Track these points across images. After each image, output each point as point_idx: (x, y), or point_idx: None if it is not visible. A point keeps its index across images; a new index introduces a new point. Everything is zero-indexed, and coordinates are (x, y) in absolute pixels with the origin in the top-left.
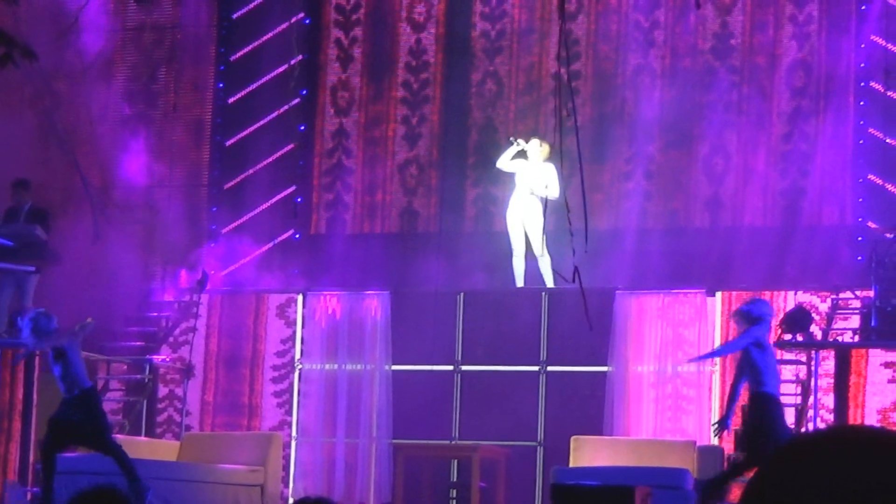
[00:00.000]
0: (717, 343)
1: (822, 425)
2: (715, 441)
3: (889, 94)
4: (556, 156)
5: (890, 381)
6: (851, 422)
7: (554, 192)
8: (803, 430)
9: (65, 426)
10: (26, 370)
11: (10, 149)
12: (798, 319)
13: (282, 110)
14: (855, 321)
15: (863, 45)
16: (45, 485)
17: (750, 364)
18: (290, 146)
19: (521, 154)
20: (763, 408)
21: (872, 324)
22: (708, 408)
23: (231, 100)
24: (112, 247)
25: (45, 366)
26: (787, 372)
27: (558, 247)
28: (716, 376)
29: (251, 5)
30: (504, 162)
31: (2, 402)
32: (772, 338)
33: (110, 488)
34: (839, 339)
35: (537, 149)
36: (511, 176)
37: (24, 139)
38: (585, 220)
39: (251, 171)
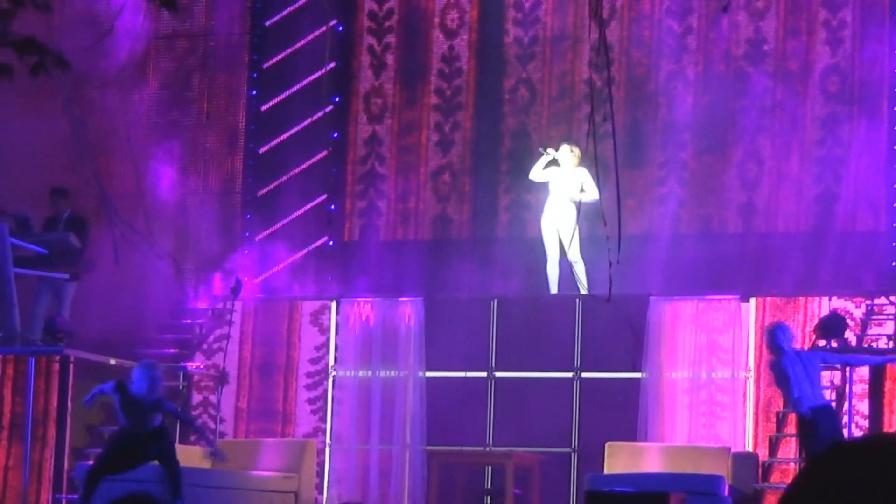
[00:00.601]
0: (752, 349)
1: (857, 431)
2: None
3: None
4: (590, 161)
5: None
6: (887, 428)
7: (593, 193)
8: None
9: (139, 459)
10: (61, 379)
11: (46, 156)
12: (832, 325)
13: (315, 117)
14: (889, 327)
15: None
16: (85, 496)
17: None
18: (324, 153)
19: (553, 162)
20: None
21: None
22: (742, 414)
23: (264, 107)
24: (146, 255)
25: (79, 374)
26: (822, 378)
27: (591, 253)
28: (750, 383)
29: (284, 13)
30: (536, 173)
31: (37, 410)
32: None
33: (145, 495)
34: (874, 345)
35: (568, 154)
36: (544, 183)
37: (58, 146)
38: (619, 226)
39: (284, 179)
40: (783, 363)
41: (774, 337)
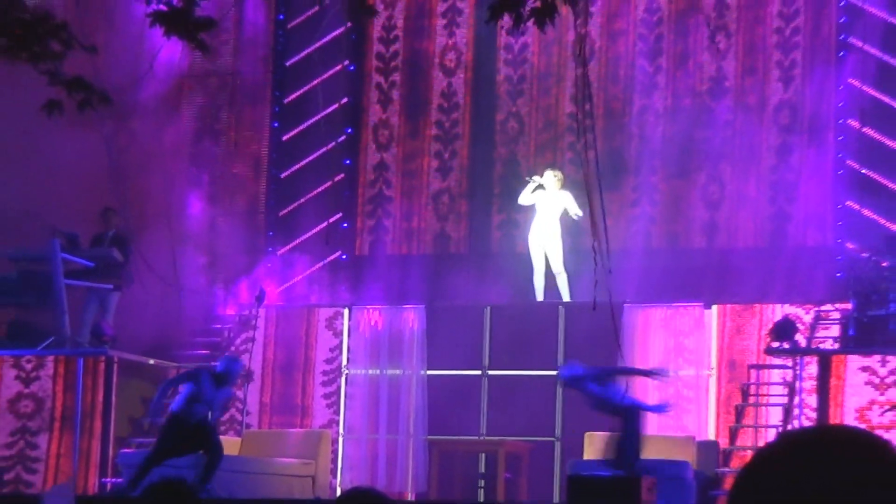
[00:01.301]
0: (714, 350)
1: (806, 423)
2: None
3: (864, 130)
4: (572, 185)
5: (866, 384)
6: (832, 420)
7: (577, 211)
8: (790, 427)
9: (192, 446)
10: (106, 377)
11: (93, 179)
12: (785, 329)
13: (330, 146)
14: (835, 330)
15: (841, 88)
16: (139, 477)
17: None
18: (338, 178)
19: (540, 187)
20: None
21: (850, 333)
22: (705, 407)
23: (285, 137)
24: (181, 268)
25: (121, 373)
26: (775, 375)
27: (572, 266)
28: (712, 380)
29: (302, 54)
30: (525, 198)
31: (85, 404)
32: None
33: (179, 480)
34: (821, 346)
35: (552, 179)
36: (532, 205)
37: (103, 170)
38: (606, 242)
39: (303, 200)
40: (589, 387)
41: (572, 372)
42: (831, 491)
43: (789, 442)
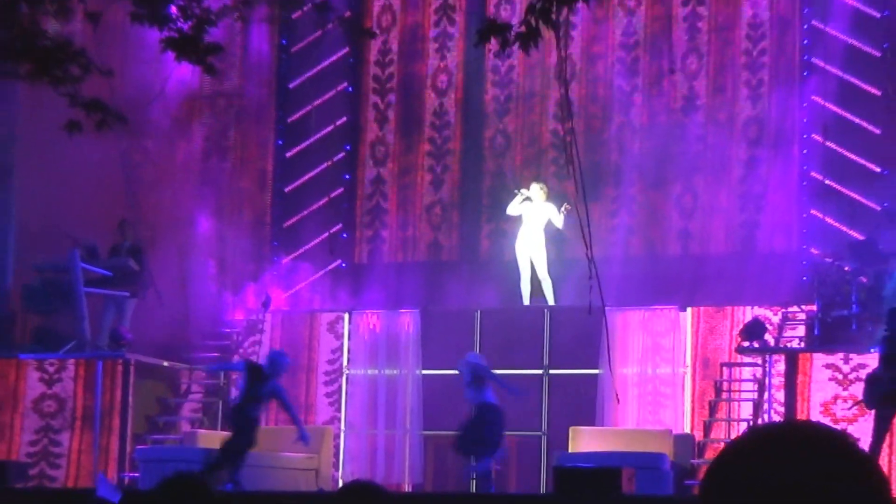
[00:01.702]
0: (689, 350)
1: (775, 417)
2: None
3: (827, 144)
4: (556, 198)
5: (830, 380)
6: (799, 414)
7: (559, 222)
8: (760, 420)
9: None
10: (123, 378)
11: (111, 195)
12: (755, 329)
13: (330, 162)
14: (801, 330)
15: (805, 105)
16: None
17: None
18: (337, 191)
19: (527, 199)
20: None
21: (815, 332)
22: (681, 403)
23: (288, 154)
24: (192, 276)
25: (138, 374)
26: (746, 373)
27: (556, 272)
28: (687, 377)
29: (304, 77)
30: (513, 209)
31: (104, 403)
32: None
33: (192, 475)
34: (788, 345)
35: (538, 191)
36: (519, 216)
37: (119, 187)
38: (591, 250)
39: (305, 213)
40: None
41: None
42: (796, 483)
43: (757, 436)
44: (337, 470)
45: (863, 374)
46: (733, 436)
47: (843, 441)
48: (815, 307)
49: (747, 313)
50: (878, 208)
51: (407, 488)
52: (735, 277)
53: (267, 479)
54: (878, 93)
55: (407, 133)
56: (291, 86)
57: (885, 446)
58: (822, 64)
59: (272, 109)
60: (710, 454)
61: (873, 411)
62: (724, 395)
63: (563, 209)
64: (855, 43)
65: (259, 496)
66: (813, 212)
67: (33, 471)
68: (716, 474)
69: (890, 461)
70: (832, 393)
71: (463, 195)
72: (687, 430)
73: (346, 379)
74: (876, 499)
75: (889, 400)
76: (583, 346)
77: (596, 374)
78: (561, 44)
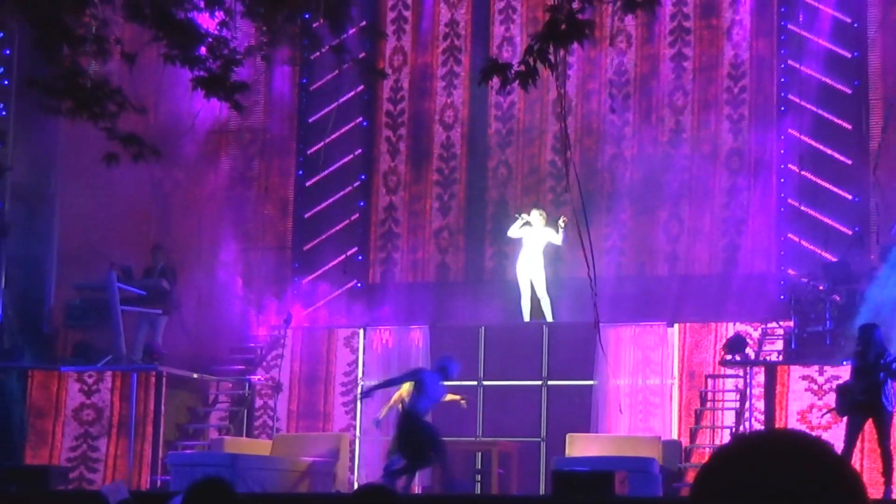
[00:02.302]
0: (676, 362)
1: (756, 424)
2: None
3: (802, 173)
4: (554, 223)
5: (806, 390)
6: (777, 421)
7: (558, 241)
8: (742, 427)
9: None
10: (156, 389)
11: (144, 220)
12: (737, 344)
13: (346, 191)
14: (779, 345)
15: (782, 137)
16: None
17: None
18: (353, 217)
19: (527, 223)
20: None
21: (792, 347)
22: (669, 411)
23: (308, 183)
24: (219, 295)
25: (170, 385)
26: (728, 384)
27: (554, 291)
28: (675, 387)
29: (322, 112)
30: (514, 231)
31: (138, 412)
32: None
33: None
34: (768, 358)
35: (538, 217)
36: (519, 238)
37: (152, 213)
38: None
39: (324, 237)
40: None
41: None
42: (780, 488)
43: (743, 444)
44: (353, 474)
45: (836, 384)
46: (717, 442)
47: (822, 448)
48: (791, 323)
49: (730, 329)
50: (850, 232)
51: (417, 491)
52: (718, 296)
53: (288, 481)
54: (850, 126)
55: (417, 164)
56: (311, 120)
57: (856, 451)
58: (797, 100)
59: (293, 142)
60: (695, 459)
61: (845, 419)
62: (709, 405)
63: (561, 222)
64: (828, 81)
65: (280, 497)
66: (790, 235)
67: (73, 474)
68: (704, 481)
69: (861, 465)
70: (808, 402)
71: (468, 221)
72: (674, 436)
73: (361, 389)
74: (855, 500)
75: (860, 409)
76: (579, 359)
77: (591, 385)
78: (559, 81)
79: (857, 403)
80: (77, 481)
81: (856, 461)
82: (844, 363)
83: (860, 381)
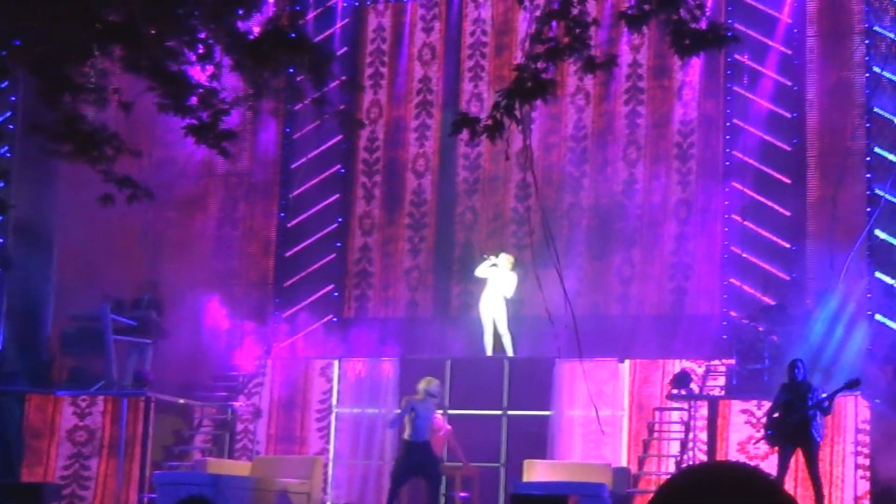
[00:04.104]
0: (626, 395)
1: (699, 454)
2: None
3: (745, 223)
4: (520, 266)
5: (745, 423)
6: (719, 451)
7: (509, 293)
8: (685, 456)
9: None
10: (145, 412)
11: (136, 257)
12: (683, 379)
13: (325, 232)
14: (721, 381)
15: (727, 190)
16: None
17: None
18: (330, 257)
19: (494, 265)
20: None
21: (733, 382)
22: (619, 440)
23: (290, 224)
24: (204, 327)
25: (157, 409)
26: (674, 416)
27: (517, 328)
28: (625, 419)
29: (303, 159)
30: (480, 271)
31: (128, 434)
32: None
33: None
34: (711, 393)
35: (505, 261)
36: (484, 279)
37: (144, 250)
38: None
39: (303, 274)
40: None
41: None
42: None
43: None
44: (326, 494)
45: (766, 414)
46: (663, 469)
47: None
48: (733, 361)
49: (676, 365)
50: (787, 278)
51: None
52: (666, 335)
53: (266, 500)
54: (789, 181)
55: (390, 208)
56: (293, 167)
57: (789, 480)
58: (741, 156)
59: (276, 187)
60: (643, 485)
61: (776, 449)
62: (656, 435)
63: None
64: (769, 139)
65: None
66: (732, 280)
67: (66, 491)
68: None
69: (796, 492)
70: (747, 434)
71: (436, 261)
72: (624, 463)
73: (335, 416)
74: None
75: (789, 440)
76: (537, 391)
77: (548, 415)
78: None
79: (787, 435)
80: (69, 498)
81: (790, 488)
82: None
83: (791, 415)
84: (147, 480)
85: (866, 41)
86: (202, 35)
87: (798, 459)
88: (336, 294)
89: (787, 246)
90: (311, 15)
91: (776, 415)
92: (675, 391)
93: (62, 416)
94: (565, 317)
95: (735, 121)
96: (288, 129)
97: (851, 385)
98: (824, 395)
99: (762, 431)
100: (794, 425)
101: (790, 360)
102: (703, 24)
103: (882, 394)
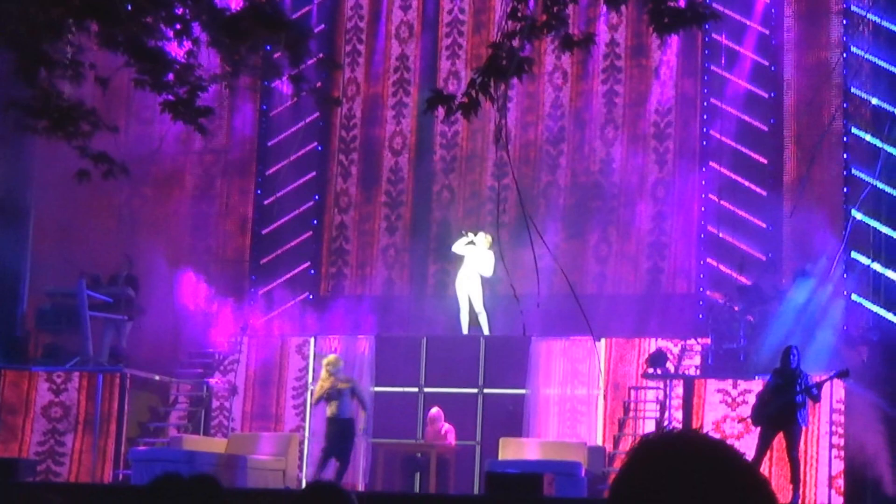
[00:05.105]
0: (602, 374)
1: None
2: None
3: (721, 203)
4: (496, 245)
5: (721, 402)
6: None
7: (488, 272)
8: None
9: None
10: (120, 389)
11: (113, 233)
12: (658, 358)
13: (301, 209)
14: (697, 360)
15: (703, 169)
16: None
17: None
18: (307, 234)
19: (471, 243)
20: None
21: (709, 362)
22: (595, 419)
23: (266, 202)
24: (181, 303)
25: (133, 386)
26: (650, 395)
27: (492, 306)
28: (600, 397)
29: (280, 137)
30: (457, 247)
31: (103, 410)
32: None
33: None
34: (686, 372)
35: (483, 239)
36: (460, 257)
37: (121, 228)
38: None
39: (279, 252)
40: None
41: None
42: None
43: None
44: (301, 471)
45: (749, 397)
46: None
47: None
48: (709, 340)
49: (652, 344)
50: (763, 258)
51: (360, 488)
52: (642, 314)
53: (241, 477)
54: (765, 161)
55: (367, 186)
56: (270, 144)
57: (764, 461)
58: (718, 136)
59: (253, 164)
60: (618, 463)
61: (758, 429)
62: (631, 414)
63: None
64: (746, 118)
65: (233, 492)
66: (709, 260)
67: (41, 467)
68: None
69: (770, 472)
70: (722, 413)
71: (413, 239)
72: (599, 442)
73: (311, 393)
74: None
75: (773, 423)
76: (512, 369)
77: (523, 394)
78: (500, 113)
79: (771, 417)
80: (44, 474)
81: (764, 468)
82: (757, 378)
83: (778, 398)
84: (122, 457)
85: (844, 21)
86: (179, 11)
87: (778, 441)
88: (312, 272)
89: (764, 226)
90: None
91: (763, 392)
92: (650, 370)
93: (37, 392)
94: (541, 296)
95: (712, 100)
96: (265, 107)
97: (841, 375)
98: (813, 383)
99: (748, 412)
100: (780, 407)
101: (785, 347)
102: (682, 2)
103: (856, 374)
